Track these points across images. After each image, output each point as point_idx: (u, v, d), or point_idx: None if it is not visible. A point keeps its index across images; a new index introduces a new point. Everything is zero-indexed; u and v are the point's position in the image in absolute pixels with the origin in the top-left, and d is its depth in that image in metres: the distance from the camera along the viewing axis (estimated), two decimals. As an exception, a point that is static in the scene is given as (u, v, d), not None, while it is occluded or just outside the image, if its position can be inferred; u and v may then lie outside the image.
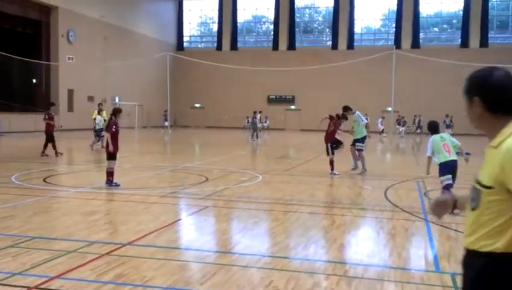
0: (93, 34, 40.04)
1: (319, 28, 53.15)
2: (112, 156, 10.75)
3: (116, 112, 11.02)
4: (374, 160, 16.09)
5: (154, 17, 49.58)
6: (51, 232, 6.83)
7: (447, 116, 32.75)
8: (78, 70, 37.73)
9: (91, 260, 5.51)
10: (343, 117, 14.29)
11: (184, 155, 20.72)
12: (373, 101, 43.24)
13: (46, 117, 18.12)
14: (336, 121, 14.07)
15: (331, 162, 13.70)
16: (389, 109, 33.40)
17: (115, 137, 10.76)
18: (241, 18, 52.96)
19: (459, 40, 46.70)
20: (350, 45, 48.69)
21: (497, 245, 2.17)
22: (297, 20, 51.49)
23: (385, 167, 17.71)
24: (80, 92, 38.45)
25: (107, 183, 10.74)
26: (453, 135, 13.49)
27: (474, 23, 45.70)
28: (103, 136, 16.74)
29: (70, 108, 37.70)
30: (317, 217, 8.63)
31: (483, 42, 45.45)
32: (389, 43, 46.58)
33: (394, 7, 48.35)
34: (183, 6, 54.25)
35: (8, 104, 33.08)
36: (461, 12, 46.85)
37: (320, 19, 52.96)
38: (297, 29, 51.35)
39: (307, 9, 52.84)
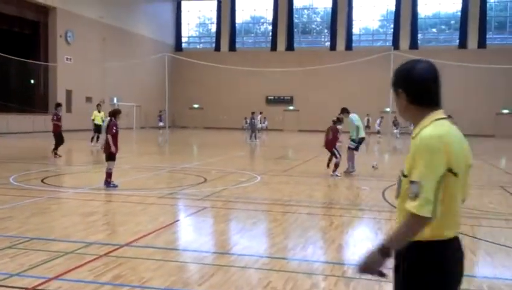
0: (91, 35, 40.02)
1: (317, 28, 53.19)
2: (111, 157, 10.76)
3: (116, 113, 11.06)
4: (371, 161, 16.10)
5: (153, 18, 49.59)
6: (49, 233, 6.82)
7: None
8: (76, 71, 37.70)
9: (89, 261, 5.50)
10: (339, 120, 14.28)
11: (182, 156, 20.71)
12: (372, 102, 43.29)
13: (55, 118, 18.16)
14: (332, 126, 14.04)
15: (337, 165, 13.68)
16: (387, 109, 33.42)
17: (115, 138, 10.79)
18: (239, 19, 52.99)
19: (457, 41, 46.79)
20: (348, 46, 48.75)
21: (421, 234, 2.24)
22: (295, 21, 51.54)
23: (383, 167, 17.73)
24: (78, 93, 38.43)
25: (105, 184, 10.74)
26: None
27: (472, 24, 45.80)
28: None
29: (68, 109, 37.63)
30: (316, 217, 8.63)
31: (481, 43, 45.55)
32: (387, 44, 46.63)
33: (392, 8, 48.44)
34: (182, 7, 54.27)
35: (5, 104, 33.06)
36: (459, 13, 46.95)
37: (318, 19, 53.01)
38: (295, 30, 51.40)
39: (305, 10, 52.89)
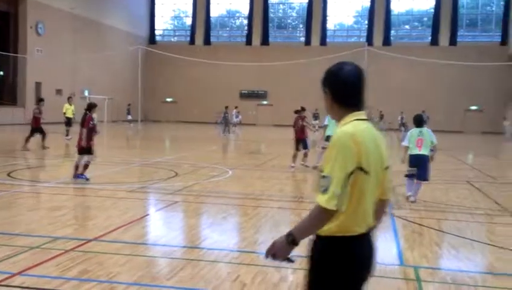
0: (62, 27, 39.17)
1: (293, 23, 53.28)
2: (85, 151, 10.64)
3: (91, 107, 11.01)
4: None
5: (126, 10, 48.82)
6: (14, 228, 6.68)
7: (423, 112, 33.26)
8: (46, 63, 36.87)
9: (55, 256, 5.41)
10: (303, 109, 14.88)
11: (154, 150, 20.53)
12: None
13: (37, 112, 18.14)
14: (297, 116, 14.56)
15: (306, 155, 14.22)
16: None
17: (90, 132, 10.69)
18: (214, 12, 52.66)
19: (429, 37, 47.51)
20: (323, 41, 48.97)
21: (331, 229, 2.38)
22: (271, 15, 51.50)
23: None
24: (48, 85, 37.57)
25: (74, 177, 10.58)
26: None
27: (444, 21, 46.56)
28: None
29: (37, 101, 36.85)
30: (286, 212, 8.68)
31: (453, 40, 46.36)
32: (362, 40, 47.01)
33: (367, 4, 48.84)
34: (156, 0, 53.61)
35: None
36: (432, 11, 47.67)
37: (294, 14, 53.10)
38: (271, 25, 51.36)
39: (281, 5, 52.89)
